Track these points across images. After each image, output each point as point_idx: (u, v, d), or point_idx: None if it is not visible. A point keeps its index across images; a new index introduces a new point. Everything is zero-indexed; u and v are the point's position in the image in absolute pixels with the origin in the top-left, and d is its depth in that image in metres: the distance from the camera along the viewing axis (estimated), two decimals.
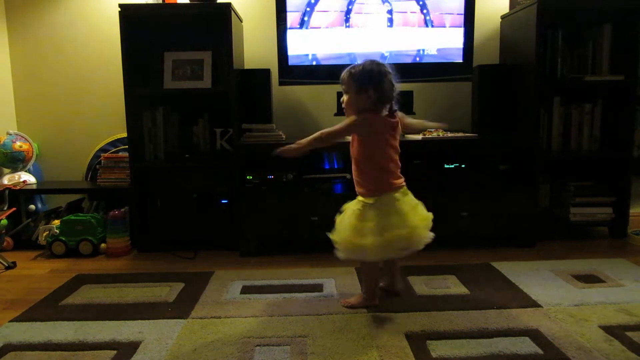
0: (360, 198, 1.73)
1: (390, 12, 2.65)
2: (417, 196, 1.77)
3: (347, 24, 2.65)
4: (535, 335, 1.53)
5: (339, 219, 1.75)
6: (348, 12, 2.64)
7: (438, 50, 2.67)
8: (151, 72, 2.70)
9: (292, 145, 1.75)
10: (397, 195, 1.70)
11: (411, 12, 2.65)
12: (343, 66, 2.76)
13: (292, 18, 2.62)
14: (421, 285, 1.98)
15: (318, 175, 2.56)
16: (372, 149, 1.72)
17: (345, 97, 1.76)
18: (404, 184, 1.76)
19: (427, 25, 2.66)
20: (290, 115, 2.94)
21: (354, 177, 1.77)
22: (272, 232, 2.46)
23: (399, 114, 1.81)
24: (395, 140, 1.76)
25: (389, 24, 2.66)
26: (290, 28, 2.63)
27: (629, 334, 1.52)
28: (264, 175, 2.49)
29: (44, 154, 3.03)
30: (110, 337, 1.58)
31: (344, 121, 1.73)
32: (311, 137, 1.74)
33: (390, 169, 1.73)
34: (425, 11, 2.66)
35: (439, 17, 2.64)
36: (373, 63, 1.73)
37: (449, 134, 2.55)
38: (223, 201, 2.65)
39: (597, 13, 2.63)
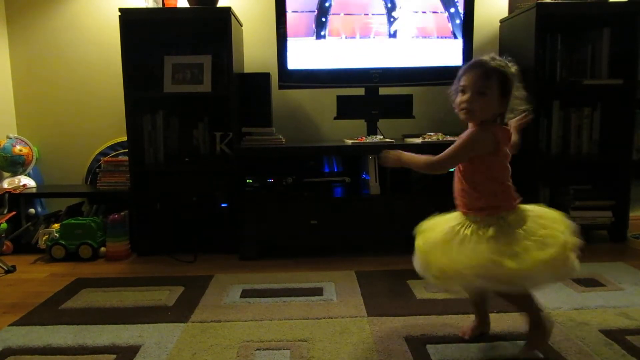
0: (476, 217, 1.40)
1: (390, 11, 2.44)
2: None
3: (321, 32, 2.38)
4: None
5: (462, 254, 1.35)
6: (323, 12, 2.22)
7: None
8: (151, 76, 2.70)
9: (396, 153, 1.50)
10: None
11: (422, 13, 2.30)
12: (342, 70, 2.77)
13: None
14: (421, 289, 1.97)
15: (318, 179, 2.56)
16: (494, 167, 1.41)
17: (477, 99, 1.38)
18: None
19: (455, 36, 2.46)
20: (290, 118, 2.95)
21: (463, 196, 1.44)
22: (272, 235, 2.46)
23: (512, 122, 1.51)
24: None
25: (390, 32, 2.52)
26: None
27: (628, 338, 1.52)
28: (263, 179, 2.49)
29: (43, 157, 3.03)
30: (109, 341, 1.58)
31: (457, 142, 1.40)
32: (421, 159, 1.48)
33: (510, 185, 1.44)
34: (453, 10, 2.31)
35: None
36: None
37: (449, 138, 2.55)
38: (223, 205, 2.65)
39: (596, 17, 2.63)
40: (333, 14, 2.48)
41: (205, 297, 1.94)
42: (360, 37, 2.55)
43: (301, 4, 2.54)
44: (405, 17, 2.61)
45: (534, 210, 1.41)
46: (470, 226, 1.38)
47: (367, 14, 2.51)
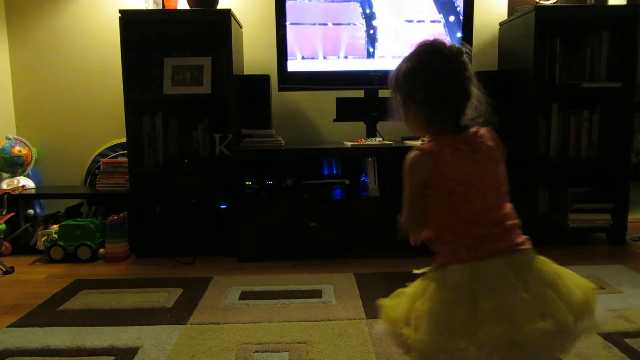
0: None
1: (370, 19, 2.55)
2: None
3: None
4: None
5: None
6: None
7: None
8: (151, 78, 2.70)
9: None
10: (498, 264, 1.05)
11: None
12: (342, 72, 2.77)
13: None
14: None
15: (317, 181, 2.56)
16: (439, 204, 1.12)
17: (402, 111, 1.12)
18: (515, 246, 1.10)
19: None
20: (289, 120, 2.95)
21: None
22: (271, 237, 2.46)
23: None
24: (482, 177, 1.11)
25: (371, 49, 2.52)
26: None
27: (627, 340, 1.52)
28: (263, 181, 2.49)
29: (43, 158, 3.03)
30: (108, 342, 1.58)
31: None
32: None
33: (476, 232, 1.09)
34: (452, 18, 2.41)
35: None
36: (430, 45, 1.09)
37: None
38: (222, 206, 2.65)
39: (595, 20, 2.64)
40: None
41: (204, 299, 1.94)
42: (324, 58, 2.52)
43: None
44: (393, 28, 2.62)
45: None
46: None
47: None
